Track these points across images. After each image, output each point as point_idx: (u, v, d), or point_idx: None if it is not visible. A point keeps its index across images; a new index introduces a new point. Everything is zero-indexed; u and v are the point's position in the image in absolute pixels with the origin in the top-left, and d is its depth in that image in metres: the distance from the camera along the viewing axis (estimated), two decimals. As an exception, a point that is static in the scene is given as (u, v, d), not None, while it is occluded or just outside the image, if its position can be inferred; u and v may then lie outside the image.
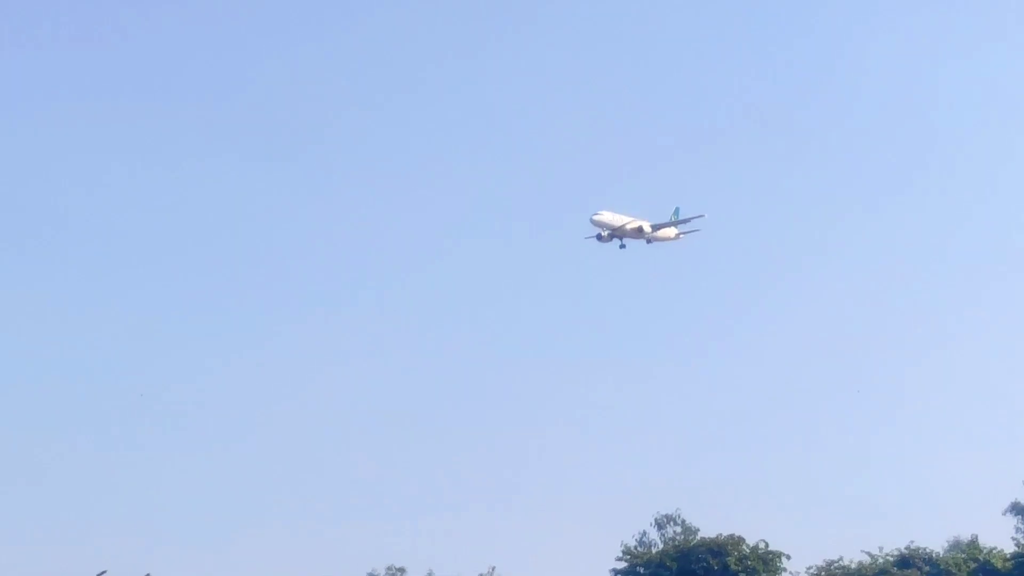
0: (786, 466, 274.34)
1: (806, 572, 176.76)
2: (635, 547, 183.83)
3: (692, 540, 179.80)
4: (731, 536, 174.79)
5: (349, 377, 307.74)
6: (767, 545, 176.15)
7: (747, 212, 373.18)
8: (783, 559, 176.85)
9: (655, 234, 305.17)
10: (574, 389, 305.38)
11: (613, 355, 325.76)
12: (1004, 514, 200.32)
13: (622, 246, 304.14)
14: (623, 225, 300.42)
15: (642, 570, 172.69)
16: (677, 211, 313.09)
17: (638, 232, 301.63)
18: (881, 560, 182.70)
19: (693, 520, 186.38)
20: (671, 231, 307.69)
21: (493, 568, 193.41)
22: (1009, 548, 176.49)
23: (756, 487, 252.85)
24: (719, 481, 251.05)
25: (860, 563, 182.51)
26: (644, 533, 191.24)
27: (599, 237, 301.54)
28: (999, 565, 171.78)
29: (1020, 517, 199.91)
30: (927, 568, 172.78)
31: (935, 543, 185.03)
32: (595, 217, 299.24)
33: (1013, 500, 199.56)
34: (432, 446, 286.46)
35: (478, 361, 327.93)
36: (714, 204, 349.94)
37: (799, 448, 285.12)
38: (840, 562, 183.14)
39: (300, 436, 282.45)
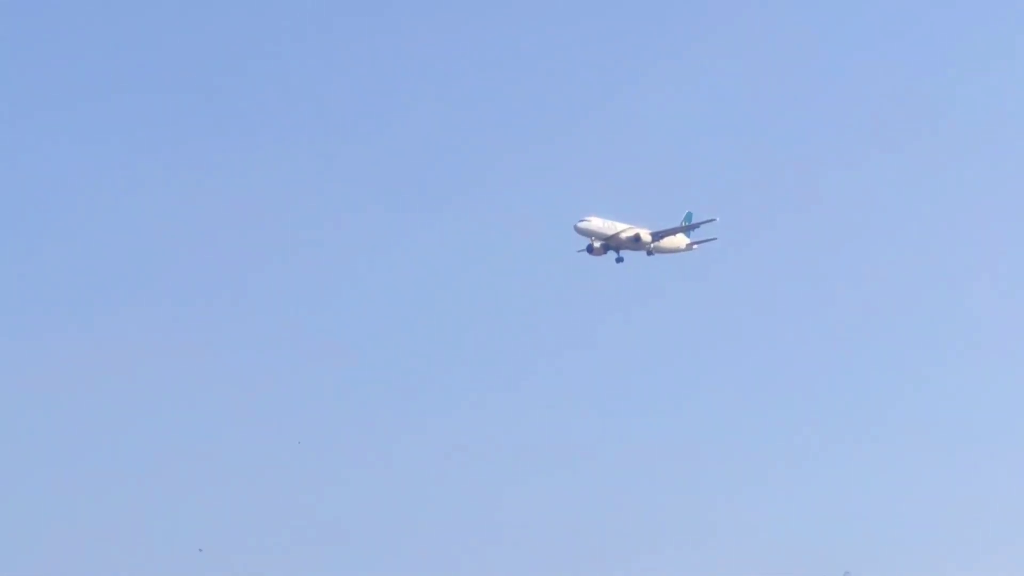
0: (961, 512, 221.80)
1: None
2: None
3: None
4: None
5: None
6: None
7: (774, 218, 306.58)
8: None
9: (659, 244, 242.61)
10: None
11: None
12: None
13: (619, 259, 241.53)
14: (617, 233, 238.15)
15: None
16: (689, 216, 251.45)
17: (635, 241, 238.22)
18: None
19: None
20: (679, 240, 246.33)
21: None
22: None
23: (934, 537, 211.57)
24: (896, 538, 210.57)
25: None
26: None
27: (590, 249, 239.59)
28: None
29: None
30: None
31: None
32: (580, 224, 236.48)
33: None
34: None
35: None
36: (734, 209, 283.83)
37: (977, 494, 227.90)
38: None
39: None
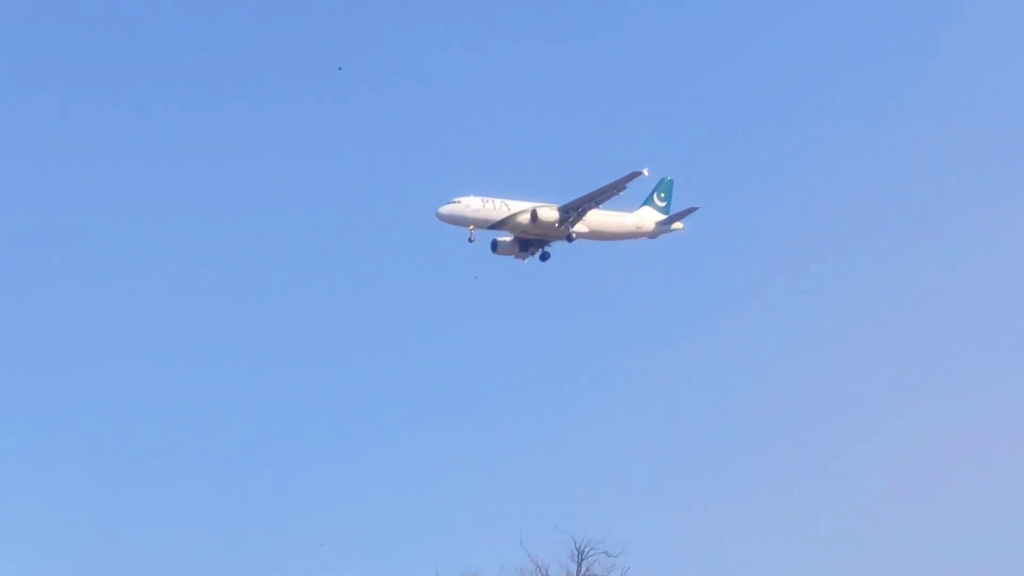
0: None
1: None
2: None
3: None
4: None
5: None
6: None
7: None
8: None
9: (594, 224, 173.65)
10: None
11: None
12: None
13: (544, 256, 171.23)
14: (512, 216, 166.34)
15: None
16: (668, 184, 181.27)
17: (533, 222, 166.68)
18: None
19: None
20: (644, 218, 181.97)
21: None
22: None
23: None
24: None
25: None
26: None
27: (494, 246, 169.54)
28: None
29: None
30: None
31: None
32: (445, 209, 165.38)
33: None
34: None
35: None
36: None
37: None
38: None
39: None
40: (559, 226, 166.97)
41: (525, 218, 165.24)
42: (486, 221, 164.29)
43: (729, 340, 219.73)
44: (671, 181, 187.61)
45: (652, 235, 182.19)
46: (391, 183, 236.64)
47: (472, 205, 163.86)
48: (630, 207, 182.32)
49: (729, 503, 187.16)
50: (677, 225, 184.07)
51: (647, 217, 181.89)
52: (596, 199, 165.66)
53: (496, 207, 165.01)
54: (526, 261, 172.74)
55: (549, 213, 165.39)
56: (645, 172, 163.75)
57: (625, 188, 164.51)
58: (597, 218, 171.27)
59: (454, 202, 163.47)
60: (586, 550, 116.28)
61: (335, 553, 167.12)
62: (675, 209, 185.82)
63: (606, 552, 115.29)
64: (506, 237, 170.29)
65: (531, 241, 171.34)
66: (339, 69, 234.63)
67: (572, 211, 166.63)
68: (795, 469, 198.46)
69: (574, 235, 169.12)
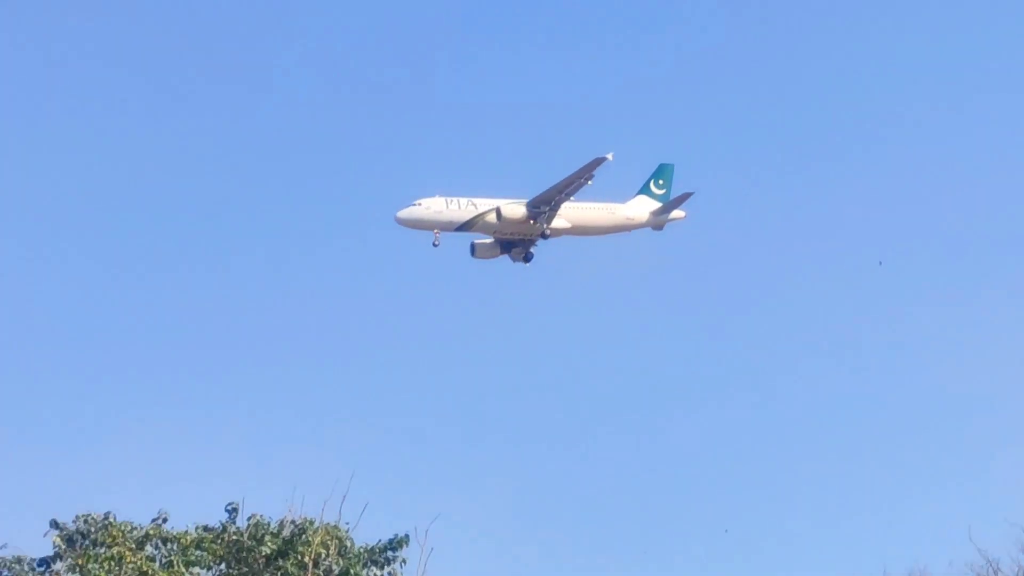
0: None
1: None
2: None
3: None
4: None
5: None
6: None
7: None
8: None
9: (577, 219, 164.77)
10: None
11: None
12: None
13: (528, 258, 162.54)
14: (480, 215, 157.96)
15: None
16: (668, 170, 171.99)
17: (499, 221, 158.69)
18: None
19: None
20: (636, 209, 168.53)
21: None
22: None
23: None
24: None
25: None
26: None
27: (473, 249, 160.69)
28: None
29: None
30: None
31: None
32: (404, 213, 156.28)
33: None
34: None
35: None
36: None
37: None
38: None
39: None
40: (533, 223, 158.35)
41: (492, 217, 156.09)
42: (451, 223, 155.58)
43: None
44: (671, 167, 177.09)
45: (656, 227, 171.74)
46: (348, 185, 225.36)
47: (434, 207, 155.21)
48: (623, 197, 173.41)
49: None
50: (678, 213, 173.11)
51: (641, 207, 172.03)
52: (564, 190, 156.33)
53: (462, 207, 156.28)
54: (528, 264, 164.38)
55: (515, 210, 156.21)
56: (609, 157, 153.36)
57: (593, 176, 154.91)
58: (578, 212, 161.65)
59: (414, 204, 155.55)
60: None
61: (778, 550, 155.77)
62: (671, 195, 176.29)
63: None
64: (485, 239, 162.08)
65: (513, 242, 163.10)
66: None
67: (541, 205, 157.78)
68: None
69: (548, 232, 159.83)
